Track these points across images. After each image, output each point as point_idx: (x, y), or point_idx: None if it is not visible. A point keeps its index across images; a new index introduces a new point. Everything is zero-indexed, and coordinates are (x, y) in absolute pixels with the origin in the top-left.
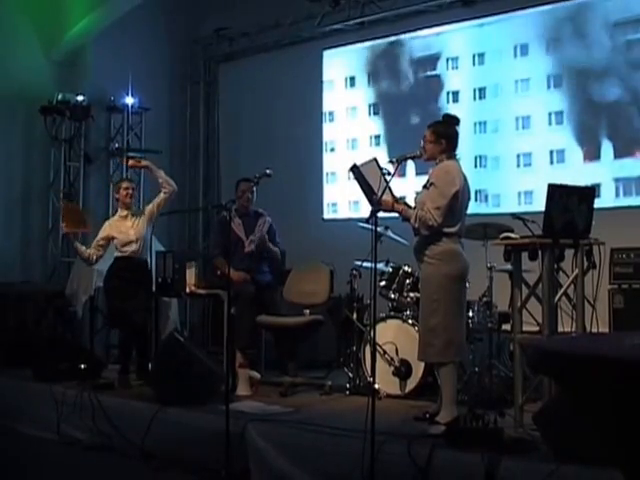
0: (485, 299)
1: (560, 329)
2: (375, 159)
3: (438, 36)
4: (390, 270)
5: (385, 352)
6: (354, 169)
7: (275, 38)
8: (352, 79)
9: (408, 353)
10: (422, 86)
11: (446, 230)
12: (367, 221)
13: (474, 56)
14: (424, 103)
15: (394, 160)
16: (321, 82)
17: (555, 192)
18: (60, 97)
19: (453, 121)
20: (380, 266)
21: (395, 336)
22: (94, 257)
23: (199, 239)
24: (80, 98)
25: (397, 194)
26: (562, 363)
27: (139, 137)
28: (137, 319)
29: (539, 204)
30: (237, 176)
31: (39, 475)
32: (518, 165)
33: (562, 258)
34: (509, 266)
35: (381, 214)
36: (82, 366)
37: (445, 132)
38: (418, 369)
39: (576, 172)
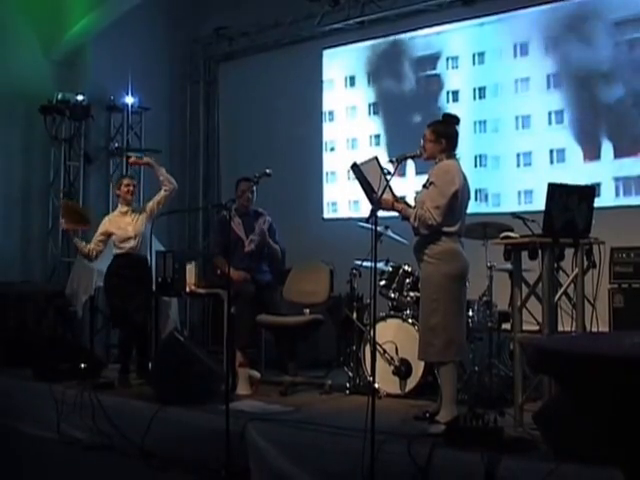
0: (485, 298)
1: (560, 328)
2: (376, 158)
3: (438, 35)
4: (390, 269)
5: (385, 351)
6: (354, 167)
7: (275, 37)
8: (352, 78)
9: (408, 352)
10: (422, 85)
11: (446, 229)
12: (367, 220)
13: (474, 55)
14: (424, 102)
15: (394, 159)
16: (321, 81)
17: (555, 191)
18: (60, 97)
19: (453, 120)
20: (380, 265)
21: (395, 335)
22: (94, 253)
23: (199, 239)
24: (80, 98)
25: (397, 194)
26: (562, 362)
27: (139, 136)
28: (137, 318)
29: (539, 203)
30: (237, 175)
31: (39, 474)
32: (518, 164)
33: (562, 257)
34: (509, 265)
35: (381, 213)
36: (82, 365)
37: (445, 131)
38: (418, 368)
39: (576, 171)
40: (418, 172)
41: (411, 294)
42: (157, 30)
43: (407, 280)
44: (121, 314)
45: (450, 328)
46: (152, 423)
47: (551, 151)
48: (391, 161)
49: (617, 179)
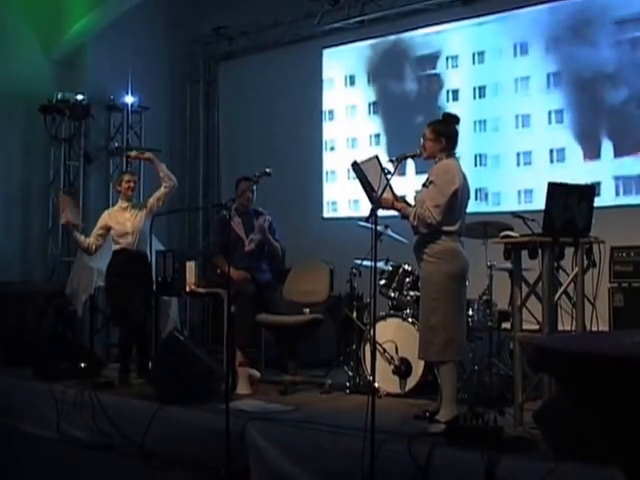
0: (485, 297)
1: (560, 327)
2: (376, 156)
3: (438, 35)
4: (390, 269)
5: (385, 351)
6: (355, 166)
7: (275, 37)
8: (352, 78)
9: (408, 352)
10: (422, 85)
11: (446, 229)
12: (367, 220)
13: (474, 54)
14: (424, 102)
15: (394, 159)
16: (321, 81)
17: (555, 190)
18: (60, 96)
19: (453, 120)
20: (380, 265)
21: (395, 335)
22: (93, 247)
23: (199, 238)
24: (80, 97)
25: (397, 193)
26: (562, 361)
27: (139, 136)
28: (137, 316)
29: (539, 202)
30: (237, 175)
31: (39, 474)
32: (518, 163)
33: (562, 256)
34: (509, 264)
35: (381, 212)
36: (82, 365)
37: (445, 130)
38: (418, 368)
39: (576, 170)
40: (418, 171)
41: (411, 293)
42: (157, 30)
43: (407, 279)
44: (121, 313)
45: (450, 327)
46: (152, 422)
47: (551, 150)
48: (391, 160)
49: (617, 178)
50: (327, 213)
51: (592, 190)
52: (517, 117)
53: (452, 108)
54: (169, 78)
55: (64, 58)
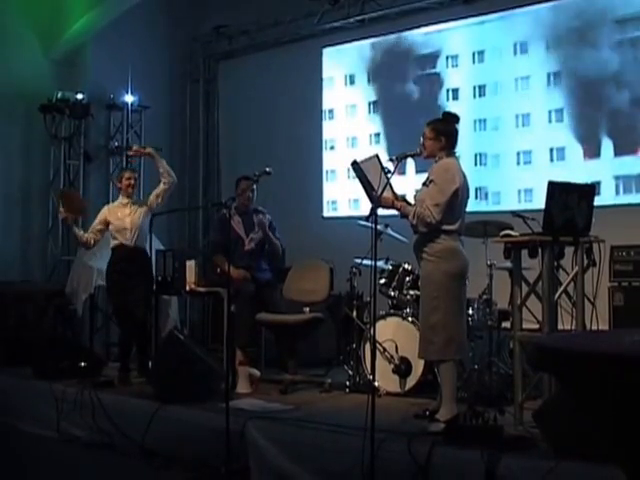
0: (485, 297)
1: (560, 327)
2: (377, 155)
3: (438, 34)
4: (390, 268)
5: (385, 350)
6: (355, 165)
7: (275, 36)
8: (352, 77)
9: (408, 351)
10: (422, 84)
11: (446, 228)
12: (367, 219)
13: (474, 54)
14: (424, 101)
15: (394, 158)
16: (321, 80)
17: (555, 190)
18: (60, 95)
19: (453, 119)
20: (380, 264)
21: (395, 334)
22: (92, 241)
23: (199, 237)
24: (80, 96)
25: (397, 192)
26: (562, 360)
27: (139, 135)
28: (137, 313)
29: (539, 202)
30: (237, 174)
31: (39, 473)
32: (518, 163)
33: (562, 256)
34: (509, 264)
35: (381, 211)
36: (82, 364)
37: (444, 129)
38: (418, 367)
39: (576, 170)
40: (418, 170)
41: (411, 292)
42: (157, 29)
43: (407, 278)
44: (123, 309)
45: (450, 326)
46: (152, 421)
47: (551, 149)
48: (391, 159)
49: (617, 177)
50: (327, 212)
51: (592, 189)
52: (517, 116)
53: (452, 107)
54: (169, 77)
55: (64, 57)
